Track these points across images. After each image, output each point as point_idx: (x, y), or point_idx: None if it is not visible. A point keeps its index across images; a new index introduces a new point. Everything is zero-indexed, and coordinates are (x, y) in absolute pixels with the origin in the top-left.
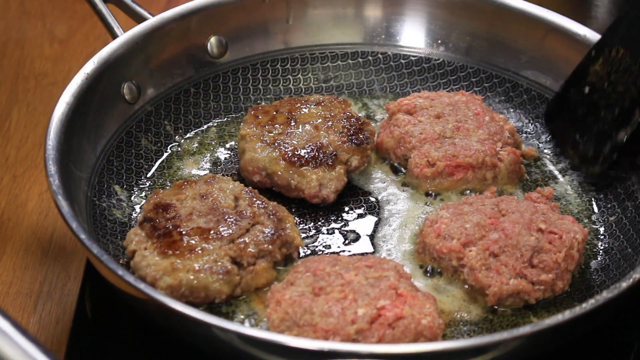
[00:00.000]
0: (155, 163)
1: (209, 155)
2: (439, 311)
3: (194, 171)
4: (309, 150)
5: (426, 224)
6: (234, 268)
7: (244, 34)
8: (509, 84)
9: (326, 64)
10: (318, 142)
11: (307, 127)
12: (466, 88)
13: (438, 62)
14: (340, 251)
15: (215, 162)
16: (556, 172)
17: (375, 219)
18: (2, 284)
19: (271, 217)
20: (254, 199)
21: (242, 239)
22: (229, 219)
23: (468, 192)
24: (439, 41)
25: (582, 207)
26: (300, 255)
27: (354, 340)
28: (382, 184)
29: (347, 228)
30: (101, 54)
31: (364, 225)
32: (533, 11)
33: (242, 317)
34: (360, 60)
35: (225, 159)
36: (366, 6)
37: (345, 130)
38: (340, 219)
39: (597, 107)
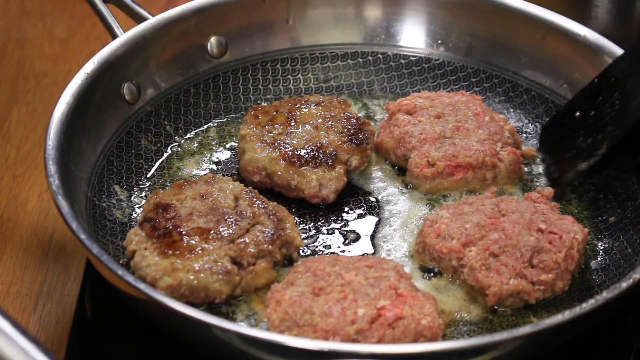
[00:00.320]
0: (155, 163)
1: (209, 155)
2: (439, 311)
3: (194, 171)
4: (308, 150)
5: (426, 224)
6: (234, 268)
7: (244, 34)
8: (509, 84)
9: (326, 64)
10: (318, 142)
11: (307, 127)
12: (466, 88)
13: (438, 62)
14: (340, 251)
15: (215, 162)
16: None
17: (376, 219)
18: (2, 284)
19: (271, 217)
20: (254, 199)
21: (242, 239)
22: (229, 219)
23: (467, 193)
24: (439, 41)
25: (582, 207)
26: (300, 255)
27: (354, 340)
28: (383, 184)
29: (347, 228)
30: (101, 54)
31: (364, 225)
32: (533, 11)
33: (242, 317)
34: (360, 60)
35: (225, 159)
36: (366, 6)
37: (345, 130)
38: (340, 219)
39: (577, 133)
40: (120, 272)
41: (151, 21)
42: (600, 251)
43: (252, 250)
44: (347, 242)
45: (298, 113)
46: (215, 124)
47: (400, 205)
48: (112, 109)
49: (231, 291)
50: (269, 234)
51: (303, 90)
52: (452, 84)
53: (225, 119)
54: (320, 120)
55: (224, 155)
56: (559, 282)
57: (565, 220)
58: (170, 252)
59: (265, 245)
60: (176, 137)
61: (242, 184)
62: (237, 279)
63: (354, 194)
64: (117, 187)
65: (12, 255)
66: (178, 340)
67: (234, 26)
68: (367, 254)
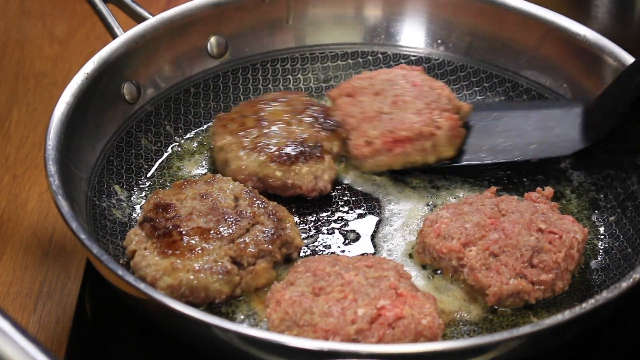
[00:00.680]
0: (155, 163)
1: (209, 155)
2: (439, 311)
3: (194, 171)
4: (294, 147)
5: (426, 224)
6: (234, 268)
7: (244, 34)
8: (509, 84)
9: (326, 64)
10: (298, 137)
11: (280, 125)
12: (466, 88)
13: (438, 62)
14: (340, 251)
15: (216, 162)
16: (556, 172)
17: (376, 218)
18: (2, 284)
19: (271, 217)
20: (254, 199)
21: (242, 239)
22: (229, 219)
23: (409, 165)
24: (439, 41)
25: (582, 207)
26: (300, 255)
27: (354, 340)
28: (383, 184)
29: (347, 228)
30: (101, 54)
31: (364, 225)
32: (533, 11)
33: (242, 317)
34: (360, 60)
35: None
36: (366, 6)
37: (314, 119)
38: (340, 219)
39: None
40: (120, 272)
41: (151, 21)
42: (600, 251)
43: (252, 250)
44: (347, 242)
45: (264, 114)
46: None
47: (401, 205)
48: (112, 109)
49: (231, 291)
50: (269, 234)
51: (303, 90)
52: (452, 84)
53: None
54: (288, 116)
55: None
56: (559, 282)
57: (565, 220)
58: (170, 252)
59: (265, 245)
60: (176, 137)
61: (242, 184)
62: (237, 279)
63: (354, 194)
64: (117, 187)
65: (12, 255)
66: (178, 340)
67: (234, 26)
68: (367, 253)
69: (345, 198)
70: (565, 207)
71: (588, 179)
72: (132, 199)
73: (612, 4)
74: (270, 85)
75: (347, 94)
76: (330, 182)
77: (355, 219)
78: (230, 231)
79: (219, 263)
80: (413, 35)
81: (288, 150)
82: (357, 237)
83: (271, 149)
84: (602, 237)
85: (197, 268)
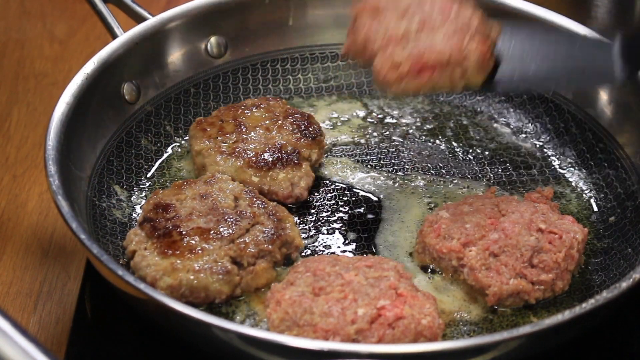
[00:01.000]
0: (155, 163)
1: None
2: (439, 311)
3: (194, 171)
4: (271, 153)
5: (426, 224)
6: (234, 268)
7: (244, 34)
8: None
9: (326, 64)
10: (277, 143)
11: (259, 130)
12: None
13: None
14: (341, 251)
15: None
16: (556, 172)
17: (376, 219)
18: (2, 284)
19: (271, 217)
20: (254, 199)
21: (242, 239)
22: (229, 219)
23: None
24: None
25: (582, 207)
26: (301, 255)
27: (354, 340)
28: (383, 184)
29: (347, 228)
30: (101, 54)
31: (364, 225)
32: (533, 11)
33: (242, 317)
34: None
35: None
36: None
37: (296, 126)
38: (340, 219)
39: None
40: (120, 272)
41: (151, 21)
42: (600, 251)
43: (252, 250)
44: (347, 242)
45: (244, 119)
46: None
47: (401, 205)
48: (112, 109)
49: (231, 291)
50: (269, 234)
51: (303, 90)
52: None
53: None
54: (268, 122)
55: None
56: (559, 282)
57: (565, 220)
58: (170, 252)
59: (265, 245)
60: (176, 137)
61: (242, 184)
62: (237, 279)
63: (354, 194)
64: (117, 187)
65: (12, 255)
66: (178, 340)
67: (234, 26)
68: (367, 254)
69: (345, 198)
70: (565, 207)
71: (588, 179)
72: (132, 199)
73: (612, 4)
74: (270, 85)
75: (372, 10)
76: (307, 189)
77: (355, 219)
78: (230, 231)
79: (219, 263)
80: None
81: (265, 156)
82: (357, 237)
83: (249, 154)
84: (602, 237)
85: (197, 268)
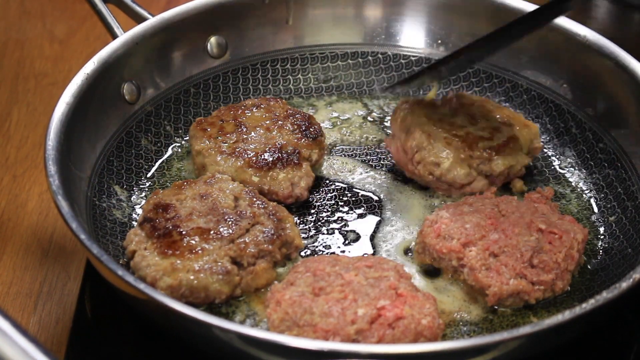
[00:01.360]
0: (155, 163)
1: None
2: (439, 311)
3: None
4: (271, 153)
5: (426, 224)
6: (234, 268)
7: (244, 34)
8: (509, 84)
9: (326, 64)
10: (277, 144)
11: (259, 130)
12: (466, 88)
13: None
14: (340, 251)
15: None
16: (556, 172)
17: (376, 219)
18: (2, 284)
19: (271, 217)
20: (254, 199)
21: (242, 239)
22: (228, 219)
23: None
24: (439, 41)
25: (582, 207)
26: (301, 255)
27: (354, 340)
28: (384, 184)
29: (347, 228)
30: (101, 54)
31: (364, 225)
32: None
33: (242, 317)
34: (360, 60)
35: None
36: (366, 6)
37: (296, 127)
38: (340, 219)
39: None
40: (120, 272)
41: (151, 21)
42: (600, 251)
43: (252, 250)
44: (347, 242)
45: (244, 119)
46: None
47: (402, 205)
48: (112, 109)
49: (231, 291)
50: (269, 234)
51: (303, 90)
52: (452, 84)
53: None
54: (268, 122)
55: None
56: (559, 282)
57: (565, 220)
58: (170, 252)
59: (265, 245)
60: (176, 137)
61: (242, 184)
62: (237, 279)
63: (354, 194)
64: (117, 187)
65: (12, 255)
66: (178, 340)
67: (234, 26)
68: (367, 254)
69: (345, 198)
70: (565, 207)
71: (588, 179)
72: (132, 199)
73: (612, 4)
74: (270, 86)
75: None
76: (307, 189)
77: (355, 219)
78: (230, 231)
79: (219, 263)
80: (413, 35)
81: (265, 156)
82: (357, 237)
83: (249, 154)
84: (602, 237)
85: (197, 268)
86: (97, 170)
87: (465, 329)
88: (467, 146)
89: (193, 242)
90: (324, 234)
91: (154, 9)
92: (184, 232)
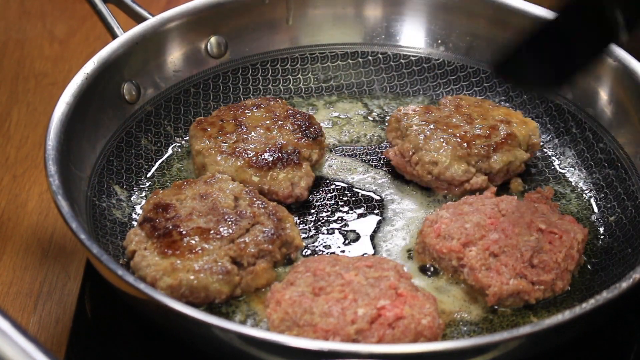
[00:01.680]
0: (155, 163)
1: None
2: (439, 311)
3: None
4: (271, 153)
5: (426, 224)
6: (234, 268)
7: (243, 34)
8: (509, 83)
9: (326, 64)
10: (277, 143)
11: (260, 130)
12: (466, 88)
13: (438, 62)
14: (340, 251)
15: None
16: (556, 172)
17: (376, 218)
18: (2, 284)
19: (271, 217)
20: (254, 199)
21: (242, 239)
22: (228, 219)
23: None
24: (439, 41)
25: (582, 207)
26: (301, 255)
27: (354, 340)
28: (384, 184)
29: (347, 228)
30: (101, 54)
31: (364, 225)
32: (533, 11)
33: (242, 317)
34: (360, 60)
35: None
36: (366, 6)
37: (297, 127)
38: (340, 219)
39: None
40: (120, 272)
41: (151, 21)
42: (600, 251)
43: (252, 250)
44: (347, 242)
45: (244, 119)
46: None
47: (403, 205)
48: (112, 109)
49: (231, 291)
50: (269, 234)
51: (303, 90)
52: (452, 84)
53: None
54: (268, 122)
55: None
56: (559, 282)
57: (565, 220)
58: (170, 252)
59: (265, 245)
60: (176, 137)
61: (242, 184)
62: (237, 279)
63: (354, 194)
64: (117, 187)
65: (12, 255)
66: (178, 340)
67: (234, 26)
68: (367, 254)
69: (345, 198)
70: (565, 207)
71: (588, 179)
72: (132, 199)
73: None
74: (270, 85)
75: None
76: (307, 189)
77: (355, 219)
78: (230, 231)
79: (219, 263)
80: (413, 35)
81: (266, 156)
82: (357, 237)
83: (249, 154)
84: (602, 237)
85: (197, 268)
86: (97, 170)
87: (465, 329)
88: (464, 144)
89: (193, 242)
90: (324, 233)
91: (154, 9)
92: (184, 232)
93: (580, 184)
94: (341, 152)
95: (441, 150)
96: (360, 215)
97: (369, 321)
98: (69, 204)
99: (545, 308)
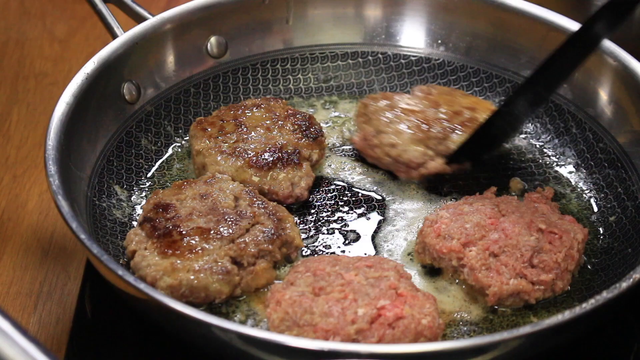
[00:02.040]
0: (155, 163)
1: None
2: (439, 311)
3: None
4: (272, 153)
5: (426, 224)
6: (234, 268)
7: (244, 34)
8: (509, 84)
9: (326, 64)
10: (277, 144)
11: (260, 130)
12: (466, 88)
13: (438, 62)
14: (340, 251)
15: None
16: (556, 172)
17: (376, 218)
18: (2, 284)
19: (271, 217)
20: (254, 199)
21: (242, 239)
22: (229, 219)
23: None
24: (439, 41)
25: (582, 207)
26: (301, 255)
27: (354, 340)
28: (384, 184)
29: (347, 228)
30: (101, 54)
31: (364, 225)
32: (533, 11)
33: (242, 317)
34: (360, 60)
35: None
36: (366, 6)
37: (297, 127)
38: (340, 219)
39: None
40: (120, 272)
41: (151, 21)
42: (600, 251)
43: (252, 250)
44: (347, 242)
45: (244, 119)
46: None
47: (402, 205)
48: (112, 109)
49: (231, 291)
50: (269, 234)
51: (303, 90)
52: (452, 84)
53: None
54: (269, 122)
55: None
56: (559, 282)
57: (565, 220)
58: (170, 252)
59: (265, 245)
60: (176, 137)
61: (242, 184)
62: (237, 279)
63: (354, 194)
64: (117, 187)
65: (12, 255)
66: (178, 340)
67: (234, 26)
68: (367, 254)
69: (346, 198)
70: (565, 207)
71: (588, 179)
72: (132, 199)
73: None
74: (270, 85)
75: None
76: (308, 189)
77: (355, 218)
78: (230, 231)
79: (219, 263)
80: (413, 35)
81: (266, 156)
82: (357, 237)
83: (249, 154)
84: (602, 237)
85: (197, 268)
86: (97, 170)
87: (465, 329)
88: (423, 126)
89: (193, 242)
90: (324, 233)
91: (154, 9)
92: (184, 232)
93: (580, 184)
94: (341, 152)
95: (400, 134)
96: (360, 215)
97: (369, 321)
98: (69, 204)
99: (545, 308)
